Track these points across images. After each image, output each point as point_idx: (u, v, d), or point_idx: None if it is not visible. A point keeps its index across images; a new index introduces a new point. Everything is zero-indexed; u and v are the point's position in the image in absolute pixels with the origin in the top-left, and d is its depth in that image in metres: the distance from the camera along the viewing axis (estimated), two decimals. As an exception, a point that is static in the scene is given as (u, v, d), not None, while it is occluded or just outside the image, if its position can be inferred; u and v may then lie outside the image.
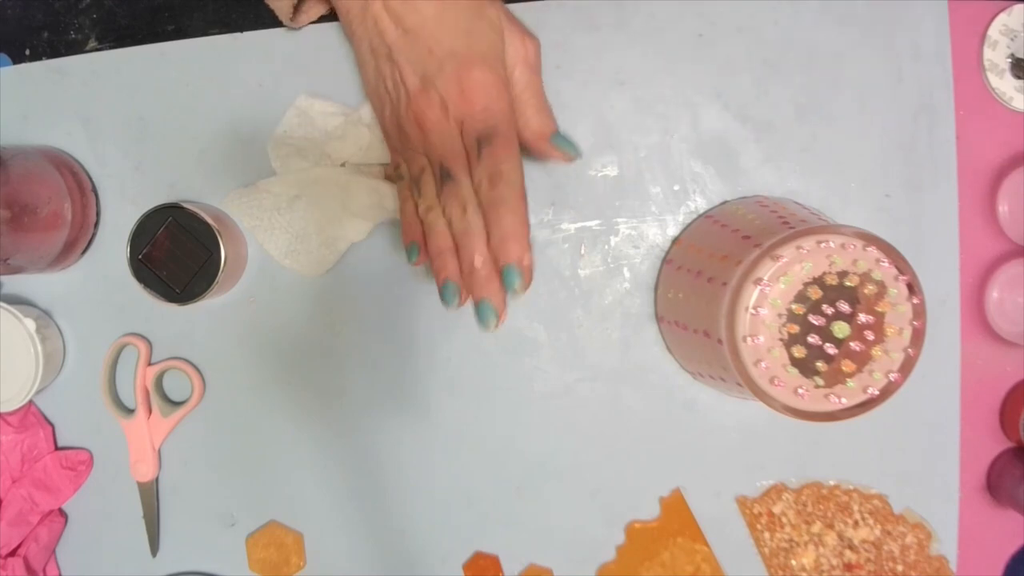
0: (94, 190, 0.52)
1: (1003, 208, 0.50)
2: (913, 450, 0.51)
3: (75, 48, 0.52)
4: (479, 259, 0.40)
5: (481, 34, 0.42)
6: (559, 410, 0.52)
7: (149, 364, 0.52)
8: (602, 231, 0.51)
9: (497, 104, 0.41)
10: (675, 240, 0.50)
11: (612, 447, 0.52)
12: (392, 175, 0.49)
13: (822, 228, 0.37)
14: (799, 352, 0.38)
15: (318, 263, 0.51)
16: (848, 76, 0.49)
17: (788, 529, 0.51)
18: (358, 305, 0.52)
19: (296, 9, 0.45)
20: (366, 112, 0.50)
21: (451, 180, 0.41)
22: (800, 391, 0.38)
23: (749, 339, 0.38)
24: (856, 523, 0.51)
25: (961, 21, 0.49)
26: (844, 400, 0.38)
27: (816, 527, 0.51)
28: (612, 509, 0.52)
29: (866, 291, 0.38)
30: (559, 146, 0.45)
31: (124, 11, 0.52)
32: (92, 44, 0.52)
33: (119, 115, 0.51)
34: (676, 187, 0.50)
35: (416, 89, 0.41)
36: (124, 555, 0.54)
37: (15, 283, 0.53)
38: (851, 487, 0.51)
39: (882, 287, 0.38)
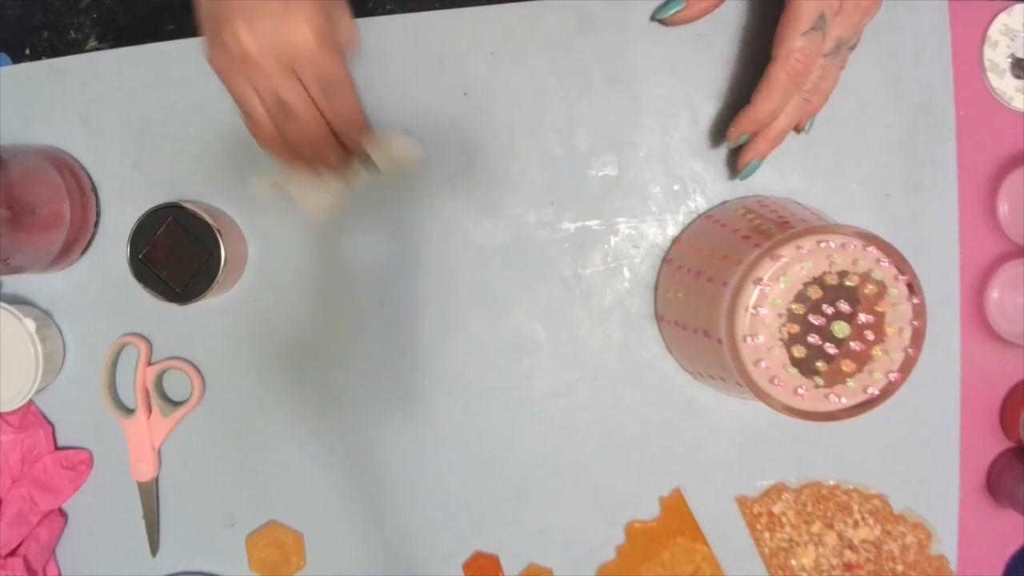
0: (94, 190, 0.52)
1: (1003, 208, 0.50)
2: (913, 450, 0.51)
3: (75, 48, 0.52)
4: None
5: None
6: (559, 410, 0.52)
7: (149, 364, 0.52)
8: (602, 231, 0.51)
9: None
10: (675, 240, 0.50)
11: (612, 447, 0.52)
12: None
13: (822, 228, 0.37)
14: (799, 352, 0.38)
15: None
16: (848, 76, 0.49)
17: (788, 529, 0.51)
18: (358, 305, 0.52)
19: None
20: None
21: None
22: (800, 391, 0.38)
23: (749, 339, 0.38)
24: (856, 523, 0.51)
25: (961, 21, 0.49)
26: (844, 400, 0.38)
27: (816, 527, 0.51)
28: (612, 509, 0.52)
29: (866, 291, 0.38)
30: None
31: (124, 11, 0.52)
32: (92, 44, 0.52)
33: (119, 115, 0.51)
34: (676, 187, 0.50)
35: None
36: (124, 555, 0.54)
37: (15, 283, 0.53)
38: (851, 487, 0.51)
39: (882, 287, 0.37)
